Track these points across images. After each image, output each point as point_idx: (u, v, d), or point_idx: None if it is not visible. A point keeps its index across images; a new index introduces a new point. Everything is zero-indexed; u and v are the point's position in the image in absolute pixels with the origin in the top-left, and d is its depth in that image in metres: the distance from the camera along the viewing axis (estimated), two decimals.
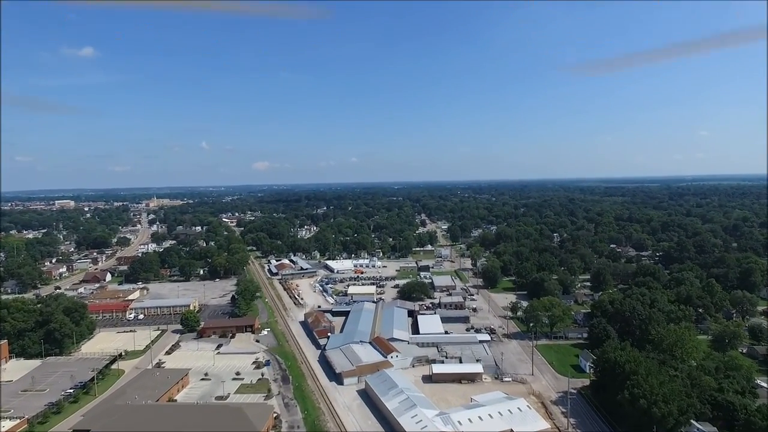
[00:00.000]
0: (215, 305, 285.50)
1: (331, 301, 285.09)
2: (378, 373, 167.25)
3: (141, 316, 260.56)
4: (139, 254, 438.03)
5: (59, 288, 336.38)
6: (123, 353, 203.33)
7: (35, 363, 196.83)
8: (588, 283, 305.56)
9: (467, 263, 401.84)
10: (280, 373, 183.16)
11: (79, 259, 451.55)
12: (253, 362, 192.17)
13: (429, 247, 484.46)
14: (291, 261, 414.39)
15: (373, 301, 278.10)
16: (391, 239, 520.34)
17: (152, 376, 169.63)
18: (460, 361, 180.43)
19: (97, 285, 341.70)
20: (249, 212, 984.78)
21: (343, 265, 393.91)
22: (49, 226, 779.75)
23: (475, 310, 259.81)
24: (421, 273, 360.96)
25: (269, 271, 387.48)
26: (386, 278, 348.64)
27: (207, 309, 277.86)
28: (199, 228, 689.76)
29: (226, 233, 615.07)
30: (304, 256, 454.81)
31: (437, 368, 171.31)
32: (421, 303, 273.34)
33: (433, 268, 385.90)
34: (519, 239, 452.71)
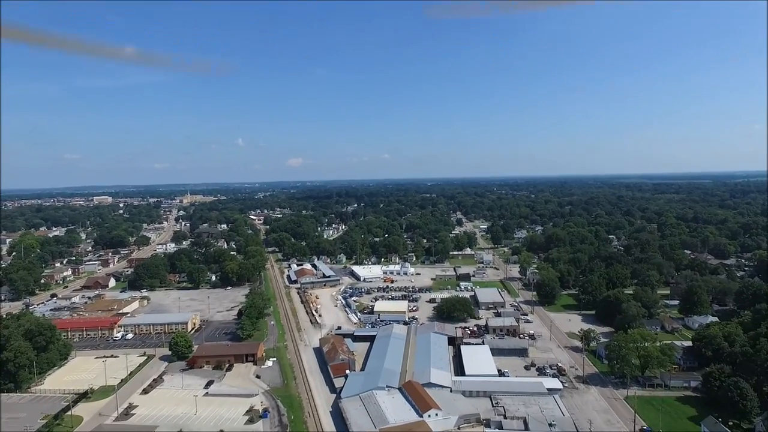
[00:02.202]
0: (219, 322, 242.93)
1: (354, 319, 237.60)
2: None
3: (130, 335, 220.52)
4: (155, 255, 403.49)
5: (55, 295, 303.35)
6: (89, 392, 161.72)
7: None
8: (668, 302, 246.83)
9: (514, 271, 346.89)
10: (280, 431, 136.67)
11: (89, 260, 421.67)
12: (247, 412, 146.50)
13: (468, 251, 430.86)
14: (313, 266, 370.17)
15: (405, 322, 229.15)
16: (425, 240, 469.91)
17: None
18: (525, 426, 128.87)
19: (96, 292, 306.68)
20: (278, 209, 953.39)
21: (371, 271, 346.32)
22: (76, 224, 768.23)
23: (533, 337, 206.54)
24: (461, 283, 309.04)
25: (288, 278, 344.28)
26: (420, 289, 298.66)
27: (209, 327, 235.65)
28: (224, 226, 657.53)
29: (250, 232, 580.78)
30: (328, 260, 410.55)
31: None
32: (464, 326, 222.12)
33: (474, 276, 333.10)
34: (573, 243, 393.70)
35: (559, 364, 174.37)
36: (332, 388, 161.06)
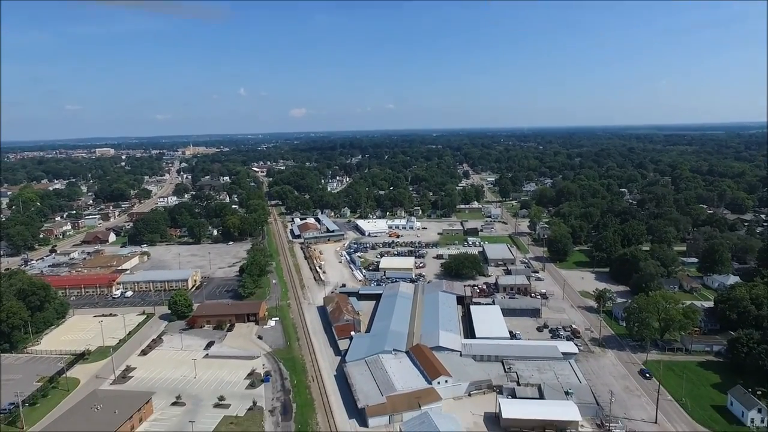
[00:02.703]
0: (220, 279, 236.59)
1: (359, 276, 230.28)
2: (419, 415, 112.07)
3: (129, 293, 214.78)
4: (155, 209, 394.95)
5: (54, 250, 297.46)
6: (87, 352, 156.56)
7: None
8: (685, 260, 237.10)
9: (523, 225, 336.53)
10: (282, 397, 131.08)
11: (90, 214, 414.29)
12: (248, 375, 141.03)
13: (475, 204, 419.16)
14: (317, 220, 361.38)
15: (412, 279, 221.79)
16: (431, 194, 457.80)
17: (103, 401, 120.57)
18: (540, 394, 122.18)
19: (96, 247, 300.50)
20: (281, 161, 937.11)
21: (376, 226, 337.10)
22: (77, 176, 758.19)
23: (545, 296, 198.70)
24: (469, 238, 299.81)
25: (291, 232, 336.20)
26: (427, 244, 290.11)
27: (210, 284, 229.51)
28: (227, 178, 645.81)
29: (252, 184, 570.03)
30: (332, 214, 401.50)
31: (509, 408, 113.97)
32: (473, 284, 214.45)
33: (482, 231, 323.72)
34: (584, 197, 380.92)
35: (573, 326, 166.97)
36: (336, 350, 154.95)
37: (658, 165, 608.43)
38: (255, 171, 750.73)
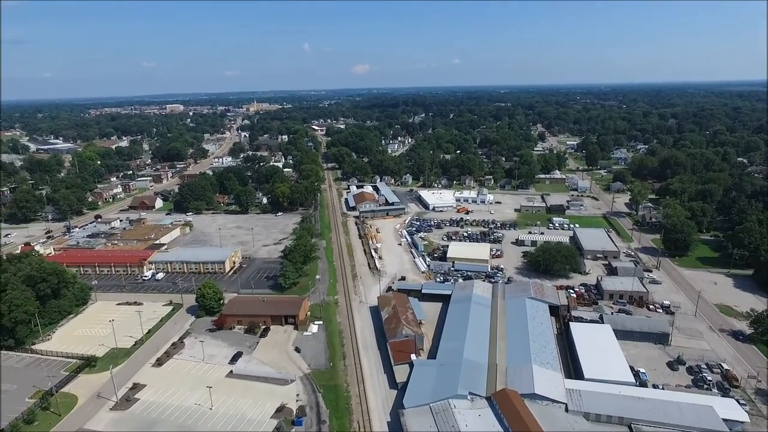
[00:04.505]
0: (262, 260, 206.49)
1: (422, 266, 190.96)
2: None
3: (160, 275, 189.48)
4: (208, 171, 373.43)
5: (99, 216, 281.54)
6: (93, 361, 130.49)
7: None
8: None
9: (619, 203, 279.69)
10: None
11: (143, 175, 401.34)
12: (277, 412, 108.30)
13: (557, 174, 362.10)
14: (375, 188, 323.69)
15: (487, 275, 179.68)
16: (503, 159, 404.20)
17: None
18: None
19: (140, 214, 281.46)
20: (341, 118, 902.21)
21: (441, 198, 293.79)
22: (143, 133, 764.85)
23: (669, 310, 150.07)
24: (554, 218, 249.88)
25: (346, 202, 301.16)
26: (502, 224, 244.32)
27: (250, 266, 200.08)
28: (285, 137, 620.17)
29: (310, 144, 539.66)
30: (392, 181, 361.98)
31: None
32: (566, 285, 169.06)
33: (569, 209, 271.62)
34: (696, 169, 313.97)
35: (724, 365, 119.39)
36: (392, 381, 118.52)
37: None
38: (314, 129, 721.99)
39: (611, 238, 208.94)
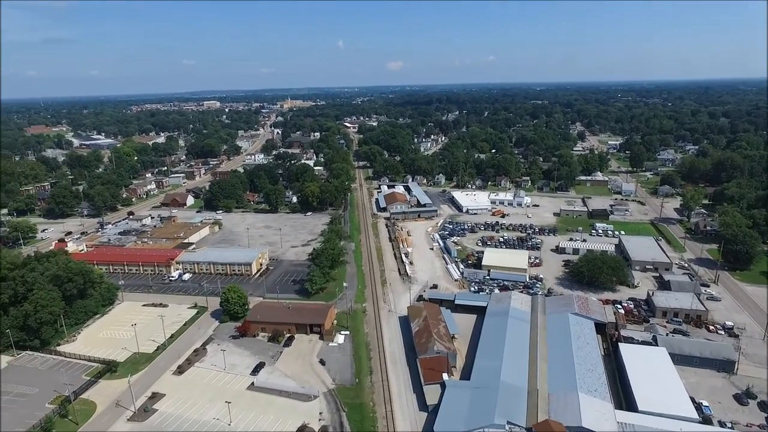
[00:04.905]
0: (289, 262, 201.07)
1: (455, 273, 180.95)
2: None
3: (187, 276, 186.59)
4: (239, 169, 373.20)
5: (132, 213, 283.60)
6: (114, 366, 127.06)
7: (1, 362, 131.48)
8: None
9: (668, 208, 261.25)
10: None
11: (177, 171, 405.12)
12: (298, 431, 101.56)
13: (599, 176, 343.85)
14: (406, 189, 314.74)
15: (526, 285, 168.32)
16: (541, 160, 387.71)
17: None
18: None
19: (171, 212, 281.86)
20: (374, 116, 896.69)
21: (475, 200, 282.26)
22: (179, 129, 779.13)
23: (732, 332, 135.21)
24: (597, 224, 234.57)
25: (377, 202, 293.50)
26: (541, 229, 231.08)
27: (278, 268, 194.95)
28: (317, 134, 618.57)
29: (341, 142, 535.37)
30: (425, 181, 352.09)
31: None
32: (612, 299, 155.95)
33: (612, 213, 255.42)
34: (755, 173, 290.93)
35: None
36: (422, 402, 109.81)
37: None
38: (346, 127, 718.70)
39: (662, 248, 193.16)
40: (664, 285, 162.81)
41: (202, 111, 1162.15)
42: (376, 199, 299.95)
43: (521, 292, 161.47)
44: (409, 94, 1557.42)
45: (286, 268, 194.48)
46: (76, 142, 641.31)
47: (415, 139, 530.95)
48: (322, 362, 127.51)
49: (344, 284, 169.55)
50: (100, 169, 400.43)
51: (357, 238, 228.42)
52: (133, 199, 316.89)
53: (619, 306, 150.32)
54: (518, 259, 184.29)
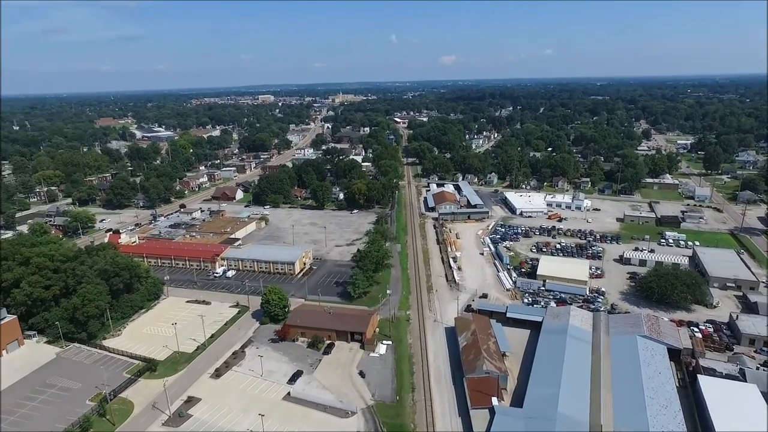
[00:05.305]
0: (333, 262, 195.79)
1: (507, 282, 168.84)
2: None
3: (231, 273, 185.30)
4: (288, 164, 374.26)
5: (184, 206, 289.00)
6: (153, 366, 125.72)
7: (50, 354, 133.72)
8: None
9: (751, 216, 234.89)
10: None
11: (229, 164, 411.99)
12: None
13: (668, 178, 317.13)
14: (456, 188, 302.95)
15: (586, 299, 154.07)
16: (603, 160, 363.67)
17: None
18: None
19: (220, 205, 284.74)
20: (425, 111, 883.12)
21: (530, 201, 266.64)
22: (234, 122, 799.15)
23: None
24: (667, 233, 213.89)
25: (425, 201, 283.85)
26: (602, 236, 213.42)
27: (321, 268, 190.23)
28: (366, 129, 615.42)
29: (391, 137, 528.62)
30: (476, 180, 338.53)
31: None
32: (687, 320, 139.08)
33: (684, 221, 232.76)
34: None
35: None
36: (468, 426, 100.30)
37: None
38: (396, 122, 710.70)
39: (745, 263, 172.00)
40: (749, 307, 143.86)
41: (257, 105, 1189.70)
42: (425, 198, 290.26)
43: (580, 306, 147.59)
44: (461, 89, 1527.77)
45: (329, 269, 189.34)
46: (138, 134, 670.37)
47: (467, 136, 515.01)
48: (361, 374, 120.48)
49: (388, 291, 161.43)
50: (157, 161, 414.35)
51: (403, 239, 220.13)
52: (186, 192, 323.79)
53: (695, 329, 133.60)
54: (578, 269, 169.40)
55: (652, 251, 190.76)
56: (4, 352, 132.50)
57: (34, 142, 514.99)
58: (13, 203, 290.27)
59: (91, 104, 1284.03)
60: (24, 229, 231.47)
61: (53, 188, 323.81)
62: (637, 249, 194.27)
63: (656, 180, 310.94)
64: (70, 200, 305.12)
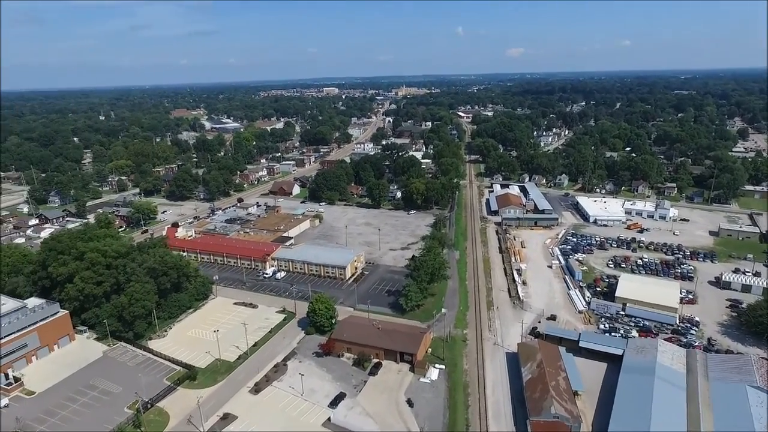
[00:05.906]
0: (386, 268, 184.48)
1: (580, 303, 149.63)
2: None
3: (281, 274, 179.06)
4: (346, 159, 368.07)
5: (241, 200, 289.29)
6: (194, 372, 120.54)
7: (98, 351, 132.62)
8: None
9: None
10: None
11: (289, 157, 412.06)
12: None
13: None
14: (522, 189, 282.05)
15: (676, 329, 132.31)
16: (690, 162, 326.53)
17: None
18: None
19: (276, 200, 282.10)
20: (490, 105, 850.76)
21: (606, 208, 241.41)
22: (298, 114, 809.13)
23: None
24: None
25: (487, 203, 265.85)
26: (693, 253, 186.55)
27: (373, 273, 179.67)
28: (429, 124, 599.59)
29: (453, 133, 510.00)
30: (544, 181, 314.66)
31: None
32: None
33: None
34: None
35: None
36: None
37: None
38: (459, 116, 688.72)
39: None
40: None
41: (321, 97, 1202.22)
42: (487, 200, 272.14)
43: (669, 339, 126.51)
44: (529, 83, 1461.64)
45: (381, 275, 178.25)
46: (207, 125, 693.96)
47: (535, 133, 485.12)
48: (409, 403, 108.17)
49: (443, 309, 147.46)
50: (221, 153, 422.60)
51: (462, 245, 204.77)
52: (245, 185, 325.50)
53: None
54: (665, 292, 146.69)
55: (757, 274, 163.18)
56: (55, 346, 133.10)
57: (113, 132, 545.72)
58: (87, 191, 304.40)
59: (169, 96, 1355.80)
60: (92, 218, 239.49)
61: (123, 178, 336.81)
62: (737, 270, 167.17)
63: (758, 188, 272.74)
64: (137, 190, 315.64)
